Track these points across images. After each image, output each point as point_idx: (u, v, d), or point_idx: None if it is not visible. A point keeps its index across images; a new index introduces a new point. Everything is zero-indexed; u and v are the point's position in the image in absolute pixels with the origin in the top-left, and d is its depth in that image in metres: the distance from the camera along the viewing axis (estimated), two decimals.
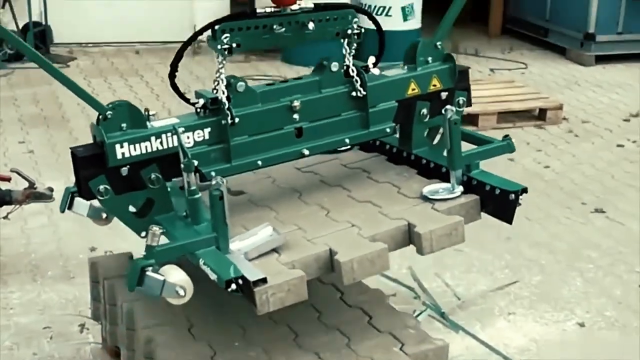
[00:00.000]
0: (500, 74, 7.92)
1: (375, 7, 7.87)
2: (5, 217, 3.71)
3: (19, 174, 3.57)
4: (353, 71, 2.70)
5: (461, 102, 2.86)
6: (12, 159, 5.33)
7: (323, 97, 2.68)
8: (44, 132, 5.97)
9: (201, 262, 2.28)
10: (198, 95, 2.53)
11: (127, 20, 8.43)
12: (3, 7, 7.57)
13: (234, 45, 2.51)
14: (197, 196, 2.38)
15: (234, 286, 2.20)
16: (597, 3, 8.13)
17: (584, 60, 8.39)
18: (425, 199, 2.69)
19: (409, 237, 2.55)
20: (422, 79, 2.83)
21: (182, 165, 2.34)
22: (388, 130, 2.80)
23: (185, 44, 2.52)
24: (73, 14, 8.01)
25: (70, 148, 2.40)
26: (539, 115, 6.47)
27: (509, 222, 2.66)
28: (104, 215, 2.66)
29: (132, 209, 2.44)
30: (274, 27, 2.57)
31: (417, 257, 4.11)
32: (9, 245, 4.21)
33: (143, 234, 2.43)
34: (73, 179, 2.41)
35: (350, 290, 2.96)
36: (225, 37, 2.48)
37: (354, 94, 2.71)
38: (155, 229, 2.25)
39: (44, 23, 8.01)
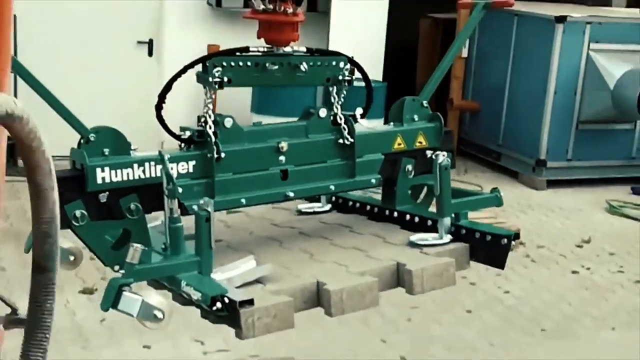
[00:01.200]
0: None
1: None
2: None
3: (1, 299, 3.62)
4: (341, 119, 2.69)
5: (443, 161, 2.77)
6: None
7: (310, 142, 2.67)
8: (15, 248, 6.01)
9: (183, 283, 2.19)
10: (183, 128, 2.49)
11: None
12: None
13: (225, 79, 2.48)
14: (179, 224, 2.28)
15: (219, 304, 2.11)
16: (547, 131, 8.56)
17: (536, 184, 8.76)
18: (413, 245, 2.67)
19: (398, 278, 2.52)
20: (408, 134, 2.85)
21: (165, 191, 2.24)
22: (373, 181, 2.79)
23: (176, 76, 2.48)
24: (43, 126, 8.13)
25: None
26: None
27: (502, 267, 2.70)
28: (72, 258, 2.44)
29: (108, 238, 2.31)
30: (267, 65, 2.57)
31: None
32: None
33: (116, 267, 2.30)
34: None
35: None
36: (217, 71, 2.45)
37: (340, 141, 2.70)
38: (137, 245, 2.12)
39: None
